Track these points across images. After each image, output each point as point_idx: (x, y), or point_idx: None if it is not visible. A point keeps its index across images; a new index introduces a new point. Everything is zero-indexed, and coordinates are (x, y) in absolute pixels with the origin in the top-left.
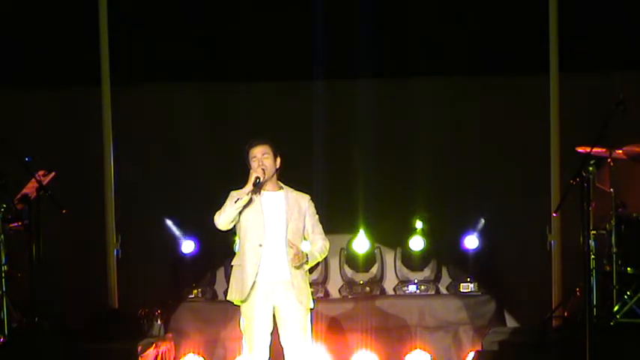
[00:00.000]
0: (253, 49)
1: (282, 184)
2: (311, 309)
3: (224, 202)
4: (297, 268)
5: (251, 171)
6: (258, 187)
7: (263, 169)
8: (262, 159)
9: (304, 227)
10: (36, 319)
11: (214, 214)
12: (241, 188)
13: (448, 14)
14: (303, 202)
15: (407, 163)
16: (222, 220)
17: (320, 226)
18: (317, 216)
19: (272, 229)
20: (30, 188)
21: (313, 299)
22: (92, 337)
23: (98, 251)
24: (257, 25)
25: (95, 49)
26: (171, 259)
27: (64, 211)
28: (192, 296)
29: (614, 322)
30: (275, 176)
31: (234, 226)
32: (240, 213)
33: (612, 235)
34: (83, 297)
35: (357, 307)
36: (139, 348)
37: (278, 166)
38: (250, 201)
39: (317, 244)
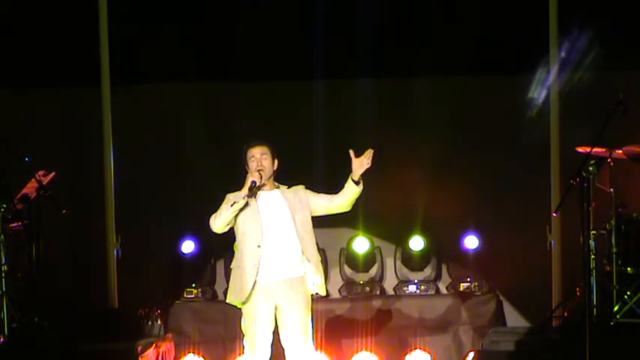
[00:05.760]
0: (253, 49)
1: (277, 184)
2: (317, 294)
3: (221, 204)
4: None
5: (248, 174)
6: (254, 191)
7: (260, 173)
8: (261, 159)
9: (310, 213)
10: (36, 319)
11: (210, 217)
12: (238, 191)
13: (448, 14)
14: (300, 192)
15: (407, 162)
16: (218, 223)
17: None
18: (320, 193)
19: (270, 229)
20: (30, 188)
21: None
22: (92, 337)
23: (98, 251)
24: (257, 24)
25: (95, 49)
26: (171, 259)
27: (64, 211)
28: (192, 296)
29: (614, 322)
30: (272, 177)
31: (232, 228)
32: (236, 216)
33: (612, 235)
34: (83, 297)
35: (357, 307)
36: (139, 348)
37: (275, 168)
38: (247, 204)
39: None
